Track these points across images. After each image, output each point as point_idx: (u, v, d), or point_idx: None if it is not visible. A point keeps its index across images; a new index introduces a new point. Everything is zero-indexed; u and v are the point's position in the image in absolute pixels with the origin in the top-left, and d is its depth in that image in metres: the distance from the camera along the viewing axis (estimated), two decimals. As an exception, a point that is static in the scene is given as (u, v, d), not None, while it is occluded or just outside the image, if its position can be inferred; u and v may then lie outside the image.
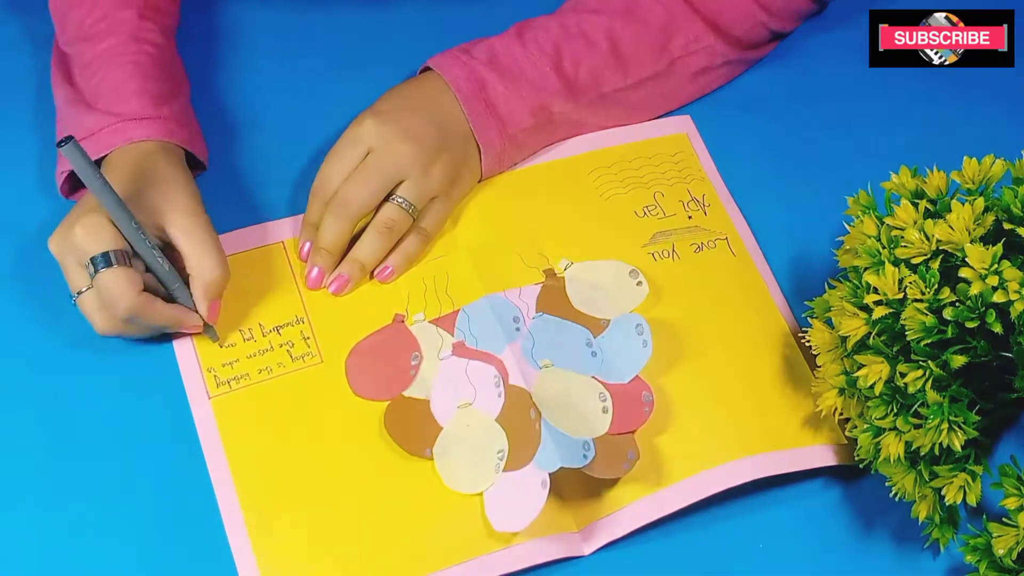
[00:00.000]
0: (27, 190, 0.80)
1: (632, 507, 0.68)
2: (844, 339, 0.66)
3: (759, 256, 0.79)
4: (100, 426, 0.71)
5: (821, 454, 0.71)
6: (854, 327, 0.64)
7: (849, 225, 0.68)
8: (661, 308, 0.75)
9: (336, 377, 0.73)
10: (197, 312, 0.71)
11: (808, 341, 0.69)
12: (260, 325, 0.74)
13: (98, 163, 0.73)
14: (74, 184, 0.76)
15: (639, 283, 0.76)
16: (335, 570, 0.66)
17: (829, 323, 0.68)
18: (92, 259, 0.68)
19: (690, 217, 0.80)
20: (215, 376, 0.72)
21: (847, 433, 0.69)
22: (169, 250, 0.71)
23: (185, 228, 0.71)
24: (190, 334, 0.73)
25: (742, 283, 0.78)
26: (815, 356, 0.69)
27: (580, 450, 0.68)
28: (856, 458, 0.68)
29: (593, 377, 0.72)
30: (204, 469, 0.69)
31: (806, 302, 0.71)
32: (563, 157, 0.82)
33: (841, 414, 0.68)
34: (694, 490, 0.68)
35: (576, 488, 0.69)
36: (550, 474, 0.67)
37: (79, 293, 0.70)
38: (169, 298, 0.72)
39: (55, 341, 0.74)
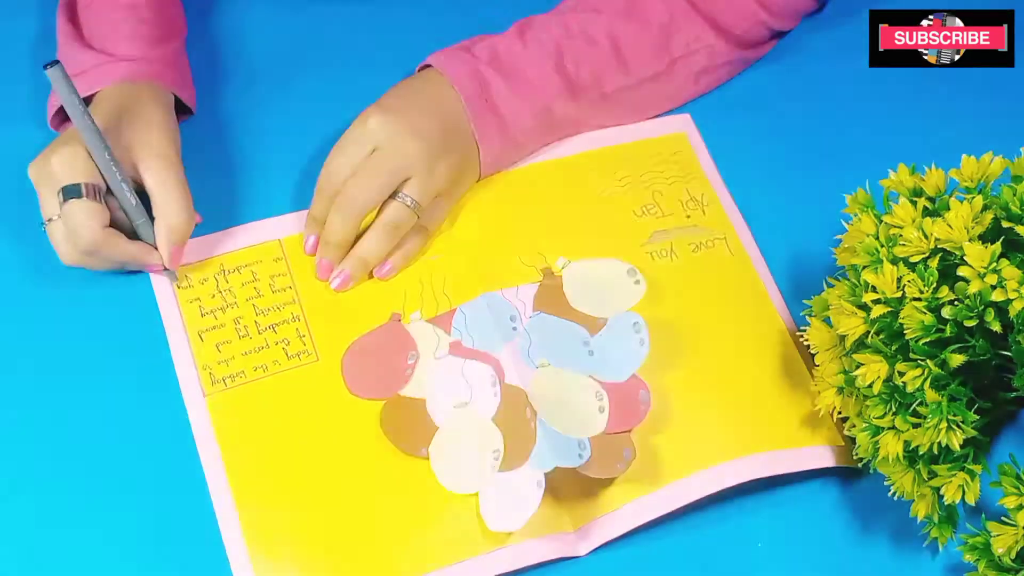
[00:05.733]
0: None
1: (628, 507, 0.68)
2: (843, 338, 0.65)
3: (757, 256, 0.79)
4: (95, 425, 0.71)
5: (819, 455, 0.70)
6: (852, 326, 0.64)
7: (848, 223, 0.68)
8: (659, 307, 0.75)
9: (332, 375, 0.73)
10: (159, 252, 0.73)
11: (806, 340, 0.69)
12: (256, 323, 0.74)
13: (88, 101, 0.75)
14: (64, 116, 0.78)
15: (637, 282, 0.76)
16: (329, 570, 0.66)
17: (828, 322, 0.68)
18: (63, 188, 0.70)
19: (688, 216, 0.80)
20: (210, 373, 0.72)
21: (845, 432, 0.68)
22: (141, 193, 0.73)
23: (155, 170, 0.72)
24: (153, 271, 0.74)
25: (740, 283, 0.77)
26: (813, 355, 0.69)
27: (575, 449, 0.68)
28: (855, 457, 0.68)
29: (590, 376, 0.72)
30: (199, 467, 0.69)
31: (804, 301, 0.71)
32: (562, 156, 0.82)
33: (839, 413, 0.68)
34: (690, 491, 0.68)
35: (572, 488, 0.69)
36: (545, 474, 0.67)
37: (49, 220, 0.71)
38: (136, 236, 0.73)
39: (57, 340, 0.74)
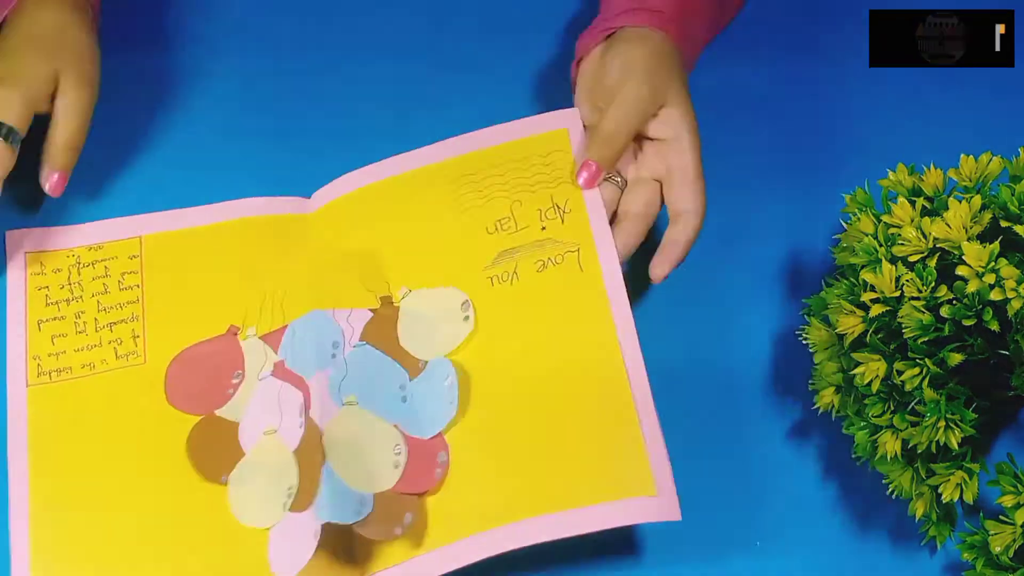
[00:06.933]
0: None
1: (405, 565, 0.64)
2: (841, 337, 0.65)
3: (612, 269, 0.71)
4: None
5: (626, 509, 0.63)
6: (851, 325, 0.64)
7: (846, 223, 0.68)
8: (478, 345, 0.70)
9: (155, 382, 0.71)
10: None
11: (806, 339, 0.69)
12: (96, 319, 0.72)
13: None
14: None
15: (466, 318, 0.71)
16: None
17: (826, 321, 0.68)
18: None
19: (544, 228, 0.73)
20: (39, 364, 0.71)
21: (844, 431, 0.68)
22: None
23: (75, 97, 0.72)
24: None
25: (581, 306, 0.70)
26: (812, 354, 0.69)
27: (354, 505, 0.65)
28: (853, 456, 0.68)
29: (395, 426, 0.68)
30: (3, 457, 0.68)
31: (803, 300, 0.71)
32: (434, 162, 0.76)
33: (838, 412, 0.68)
34: (472, 551, 0.63)
35: (355, 534, 0.65)
36: (322, 525, 0.65)
37: None
38: None
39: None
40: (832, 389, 0.67)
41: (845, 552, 0.70)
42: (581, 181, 0.73)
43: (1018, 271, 0.59)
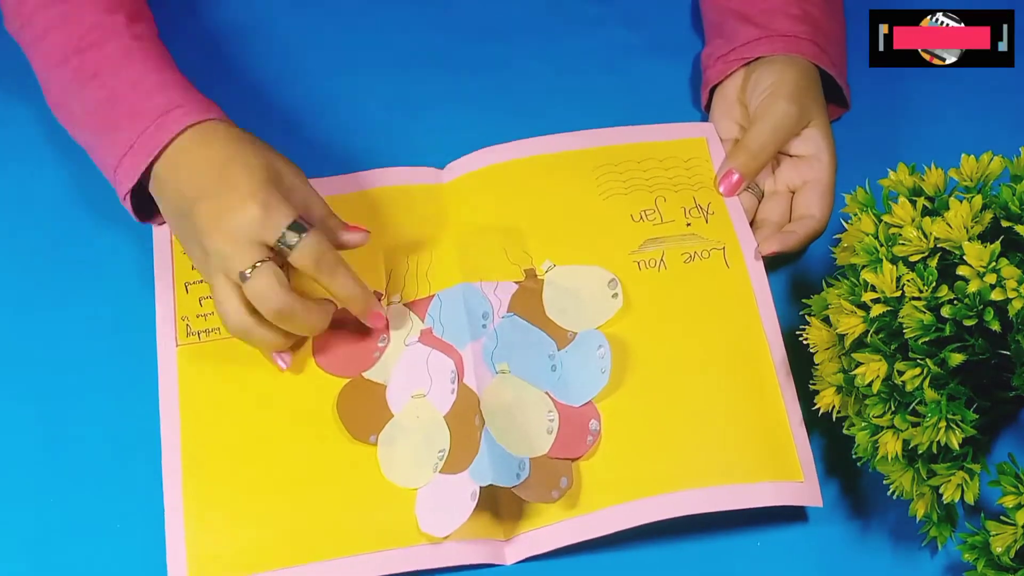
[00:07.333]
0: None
1: (563, 524, 0.68)
2: (842, 337, 0.65)
3: (758, 269, 0.76)
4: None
5: (773, 491, 0.68)
6: (852, 325, 0.64)
7: (847, 223, 0.68)
8: (632, 322, 0.73)
9: (302, 343, 0.73)
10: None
11: (806, 339, 0.69)
12: None
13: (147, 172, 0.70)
14: (141, 202, 0.73)
15: (615, 295, 0.74)
16: (257, 535, 0.67)
17: (827, 321, 0.68)
18: (293, 224, 0.66)
19: (689, 224, 0.77)
20: (187, 325, 0.73)
21: (845, 431, 0.68)
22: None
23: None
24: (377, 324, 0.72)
25: (729, 299, 0.75)
26: (813, 355, 0.69)
27: (514, 469, 0.67)
28: (854, 456, 0.68)
29: (546, 393, 0.71)
30: (156, 414, 0.71)
31: (804, 300, 0.71)
32: (573, 149, 0.80)
33: (839, 412, 0.68)
34: (629, 518, 0.67)
35: (509, 497, 0.68)
36: (480, 487, 0.66)
37: (252, 268, 0.65)
38: None
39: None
40: (833, 389, 0.67)
41: (845, 552, 0.70)
42: (722, 189, 0.78)
43: (1019, 271, 0.59)
